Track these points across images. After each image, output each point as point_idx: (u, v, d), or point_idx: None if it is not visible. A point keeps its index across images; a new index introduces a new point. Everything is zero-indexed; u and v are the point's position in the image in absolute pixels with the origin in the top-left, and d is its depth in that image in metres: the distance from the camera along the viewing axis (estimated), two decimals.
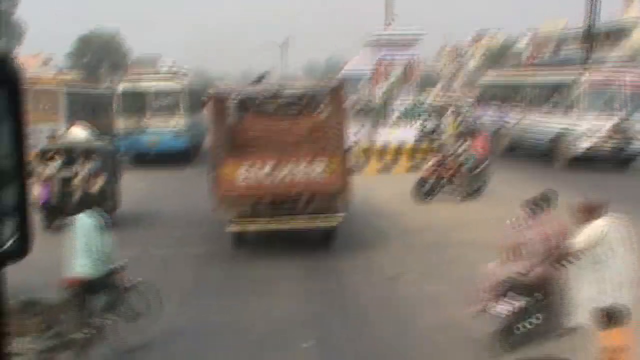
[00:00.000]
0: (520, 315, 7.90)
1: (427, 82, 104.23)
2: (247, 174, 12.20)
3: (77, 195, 14.96)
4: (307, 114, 14.42)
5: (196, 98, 32.55)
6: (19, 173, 1.62)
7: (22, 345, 6.89)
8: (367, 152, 24.03)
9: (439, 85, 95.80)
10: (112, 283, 8.31)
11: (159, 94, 27.86)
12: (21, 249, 1.63)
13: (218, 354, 8.51)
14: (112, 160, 16.46)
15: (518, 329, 7.92)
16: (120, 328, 8.31)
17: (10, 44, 66.44)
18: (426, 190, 17.17)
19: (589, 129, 22.85)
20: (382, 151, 23.87)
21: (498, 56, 77.90)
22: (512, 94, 28.64)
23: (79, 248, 7.99)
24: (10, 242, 1.63)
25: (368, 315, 9.63)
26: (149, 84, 27.87)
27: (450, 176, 17.22)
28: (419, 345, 8.48)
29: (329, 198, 12.39)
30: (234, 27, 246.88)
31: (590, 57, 32.74)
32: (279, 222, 12.47)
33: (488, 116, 29.80)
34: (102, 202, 14.42)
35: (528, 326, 7.90)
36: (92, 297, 8.09)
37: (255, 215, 12.35)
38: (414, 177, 19.60)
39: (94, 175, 15.34)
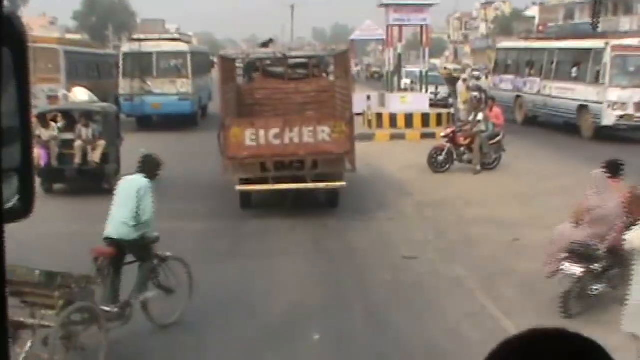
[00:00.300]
0: (594, 278, 7.86)
1: (435, 49, 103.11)
2: (255, 136, 12.11)
3: (77, 159, 14.57)
4: (314, 77, 14.74)
5: (203, 61, 31.80)
6: (23, 132, 1.60)
7: (46, 319, 6.56)
8: (378, 118, 23.23)
9: (447, 53, 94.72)
10: (147, 253, 7.82)
11: (164, 56, 27.16)
12: (24, 208, 1.61)
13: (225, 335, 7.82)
14: (113, 123, 15.80)
15: (591, 290, 7.90)
16: (151, 304, 7.81)
17: (15, 4, 65.25)
18: (441, 160, 16.26)
19: (616, 99, 21.39)
20: (394, 118, 23.04)
21: (507, 24, 76.44)
22: (532, 62, 26.74)
23: (124, 210, 7.52)
24: (14, 201, 1.60)
25: (385, 306, 8.72)
26: (153, 46, 26.97)
27: (467, 145, 16.29)
28: (442, 336, 7.70)
29: (334, 161, 12.51)
30: None
31: (597, 24, 31.81)
32: (285, 183, 12.55)
33: (505, 85, 28.08)
34: (103, 167, 14.60)
35: (601, 288, 7.91)
36: (122, 269, 7.66)
37: (263, 177, 12.41)
38: (428, 144, 18.98)
39: (95, 139, 14.74)
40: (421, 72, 25.07)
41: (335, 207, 13.29)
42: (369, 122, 23.40)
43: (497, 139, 16.50)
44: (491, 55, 71.94)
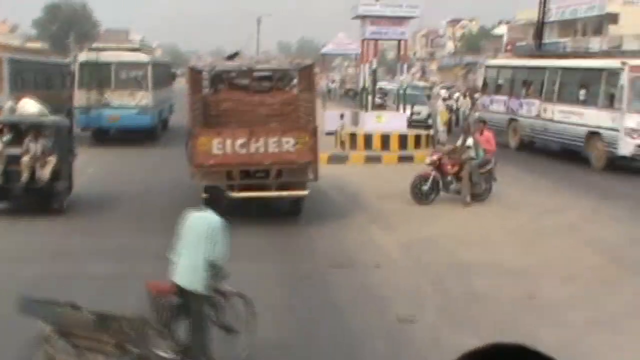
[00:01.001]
0: None
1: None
2: (222, 145, 12.40)
3: (25, 176, 13.28)
4: (279, 90, 15.07)
5: (164, 72, 29.93)
6: None
7: None
8: (352, 139, 21.32)
9: (413, 69, 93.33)
10: (213, 301, 6.83)
11: (123, 67, 25.50)
12: None
13: None
14: (66, 138, 14.59)
15: None
16: (213, 347, 6.67)
17: None
18: (427, 190, 14.27)
19: (636, 126, 18.64)
20: (369, 139, 21.14)
21: (475, 42, 75.29)
22: (529, 81, 23.84)
23: (194, 253, 6.50)
24: None
25: None
26: (112, 56, 24.95)
27: (455, 174, 14.37)
28: None
29: (298, 171, 12.82)
30: (207, 4, 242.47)
31: (541, 44, 30.39)
32: (250, 192, 12.75)
33: (496, 106, 25.12)
34: (53, 185, 13.35)
35: None
36: (184, 313, 6.65)
37: (228, 185, 12.18)
38: (406, 169, 17.55)
39: (45, 154, 13.43)
40: (398, 89, 23.25)
41: (298, 214, 13.52)
42: (342, 142, 21.49)
43: (489, 166, 14.56)
44: (459, 72, 71.43)
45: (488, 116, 22.03)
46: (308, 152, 12.58)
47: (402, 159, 20.11)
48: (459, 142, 14.87)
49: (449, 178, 14.36)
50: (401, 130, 21.53)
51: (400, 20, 21.53)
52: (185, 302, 6.59)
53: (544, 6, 30.57)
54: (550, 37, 56.06)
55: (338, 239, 12.03)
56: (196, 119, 13.45)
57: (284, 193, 13.05)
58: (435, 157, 14.45)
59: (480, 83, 51.59)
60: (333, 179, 16.73)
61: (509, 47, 60.68)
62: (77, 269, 10.01)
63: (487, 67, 28.57)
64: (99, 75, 24.76)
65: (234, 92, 15.08)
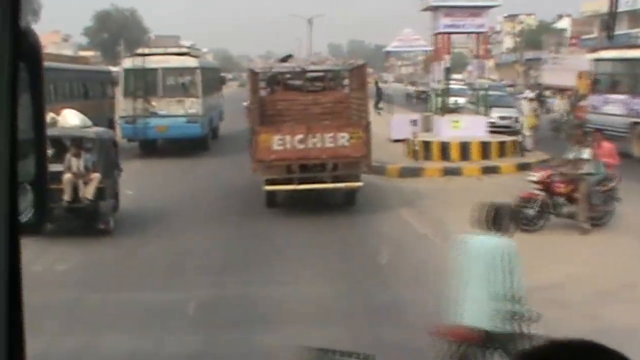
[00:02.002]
0: None
1: (455, 64, 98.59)
2: (282, 141, 13.08)
3: (66, 196, 11.95)
4: (331, 89, 15.70)
5: (214, 77, 27.71)
6: (38, 147, 1.55)
7: None
8: (426, 148, 18.49)
9: (469, 67, 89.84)
10: (514, 341, 5.43)
11: (170, 72, 23.43)
12: (38, 222, 1.56)
13: None
14: (110, 152, 13.33)
15: None
16: None
17: (26, 20, 61.25)
18: (533, 215, 11.45)
19: None
20: (446, 147, 18.29)
21: (534, 37, 71.46)
22: None
23: (487, 286, 5.39)
24: (29, 215, 1.53)
25: None
26: (158, 61, 22.67)
27: (567, 194, 11.54)
28: None
29: (352, 165, 13.48)
30: (256, 9, 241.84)
31: (612, 36, 25.78)
32: (308, 184, 13.40)
33: (613, 108, 20.49)
34: (98, 204, 12.17)
35: None
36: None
37: (288, 178, 13.30)
38: (492, 182, 15.56)
39: (88, 170, 12.21)
40: (477, 89, 20.41)
41: (353, 205, 14.03)
42: (414, 152, 18.53)
43: (610, 184, 11.68)
44: (519, 69, 67.82)
45: (601, 120, 18.86)
46: (362, 147, 13.20)
47: (485, 170, 17.29)
48: (570, 154, 11.92)
49: (561, 199, 11.51)
50: (482, 136, 18.68)
51: (478, 10, 18.65)
52: (485, 346, 5.50)
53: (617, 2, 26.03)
54: (619, 29, 52.41)
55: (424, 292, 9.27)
56: (257, 118, 14.23)
57: (341, 185, 13.69)
58: (543, 174, 11.55)
59: (547, 79, 48.68)
60: (408, 198, 14.48)
61: (573, 41, 57.26)
62: (129, 296, 9.11)
63: (598, 60, 23.23)
64: (145, 82, 22.71)
65: (288, 92, 15.74)
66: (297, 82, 15.89)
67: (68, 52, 53.54)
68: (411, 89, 38.51)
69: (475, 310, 5.45)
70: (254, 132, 13.80)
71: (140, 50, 23.98)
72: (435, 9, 18.78)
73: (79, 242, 11.82)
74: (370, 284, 9.33)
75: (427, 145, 18.55)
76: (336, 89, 15.93)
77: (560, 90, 36.59)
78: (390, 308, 8.42)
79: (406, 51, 28.77)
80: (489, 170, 17.18)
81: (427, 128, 19.85)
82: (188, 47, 25.18)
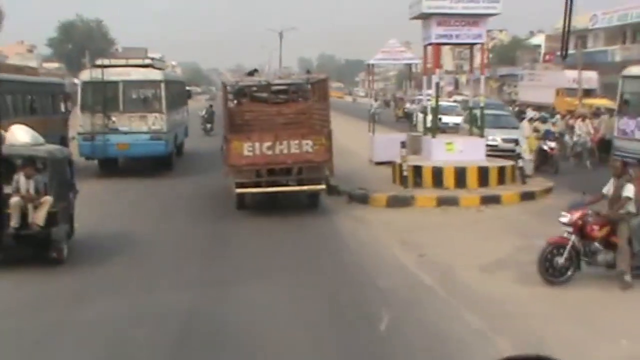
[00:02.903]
0: None
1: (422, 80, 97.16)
2: (251, 148, 14.12)
3: (14, 221, 10.48)
4: (294, 101, 16.53)
5: (179, 91, 25.70)
6: None
7: None
8: (416, 173, 16.28)
9: (441, 83, 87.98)
10: None
11: (132, 86, 21.29)
12: None
13: None
14: (64, 172, 11.75)
15: None
16: None
17: None
18: (562, 265, 9.26)
19: None
20: (439, 173, 16.10)
21: (506, 53, 70.16)
22: None
23: None
24: None
25: None
26: (120, 73, 20.67)
27: (605, 238, 9.33)
28: None
29: (316, 168, 14.48)
30: (227, 22, 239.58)
31: (566, 54, 23.22)
32: (275, 187, 14.55)
33: None
34: (49, 231, 10.65)
35: None
36: None
37: (257, 182, 14.46)
38: (494, 215, 13.83)
39: (39, 193, 10.82)
40: (471, 108, 18.45)
41: (316, 207, 15.11)
42: (403, 178, 16.22)
43: None
44: (493, 85, 66.32)
45: (631, 146, 16.68)
46: (324, 152, 14.22)
47: (485, 199, 15.14)
48: (605, 189, 9.85)
49: (596, 244, 9.47)
50: (479, 161, 16.51)
51: (475, 18, 16.56)
52: None
53: (570, 13, 22.97)
54: (596, 45, 51.19)
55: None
56: (227, 127, 15.28)
57: (305, 187, 14.55)
58: (576, 215, 9.45)
59: (523, 96, 46.93)
60: (399, 233, 12.55)
61: (547, 58, 55.91)
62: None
63: (625, 77, 19.53)
64: (104, 96, 20.47)
65: (254, 103, 16.58)
66: (263, 95, 16.74)
67: (32, 63, 50.85)
68: (375, 104, 35.15)
69: None
70: (226, 140, 14.87)
71: (99, 62, 21.63)
72: (427, 16, 16.65)
73: (28, 272, 10.31)
74: None
75: (417, 170, 16.31)
76: (299, 101, 16.74)
77: (538, 108, 35.00)
78: None
79: (391, 63, 26.27)
80: (489, 200, 15.09)
81: (415, 150, 17.67)
82: (152, 59, 22.92)
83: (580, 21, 46.25)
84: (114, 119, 20.54)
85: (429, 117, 18.74)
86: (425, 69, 19.31)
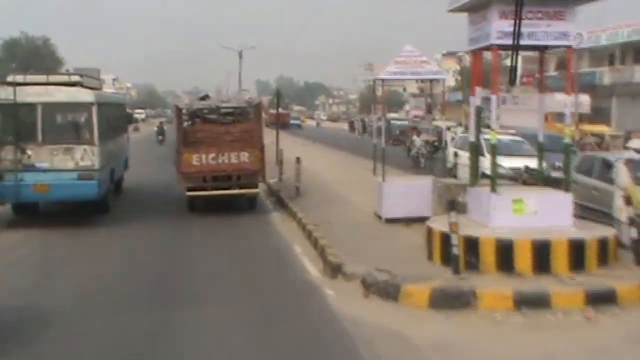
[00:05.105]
0: None
1: (392, 103, 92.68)
2: (199, 159, 16.87)
3: None
4: (239, 122, 18.51)
5: (117, 115, 20.56)
6: None
7: None
8: (470, 249, 10.15)
9: (407, 107, 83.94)
10: None
11: (54, 109, 15.80)
12: None
13: None
14: None
15: None
16: None
17: None
18: None
19: None
20: (507, 250, 9.98)
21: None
22: None
23: None
24: None
25: None
26: (38, 93, 15.66)
27: None
28: None
29: (251, 175, 17.21)
30: (183, 43, 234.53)
31: (515, 80, 18.43)
32: (218, 190, 17.11)
33: None
34: None
35: None
36: None
37: (203, 186, 17.03)
38: (614, 324, 8.56)
39: None
40: (539, 142, 12.31)
41: (254, 208, 17.98)
42: (451, 257, 10.08)
43: None
44: (466, 109, 62.01)
45: None
46: (258, 162, 17.07)
47: (593, 298, 8.98)
48: None
49: None
50: (567, 229, 10.47)
51: (561, 8, 10.78)
52: None
53: (518, 36, 17.29)
54: (580, 67, 47.40)
55: None
56: (180, 144, 17.55)
57: (242, 191, 17.40)
58: None
59: (505, 121, 42.42)
60: None
61: (524, 80, 52.02)
62: None
63: None
64: (18, 123, 15.40)
65: (206, 124, 18.41)
66: (213, 116, 18.45)
67: None
68: (417, 141, 28.20)
69: None
70: (179, 152, 17.35)
71: (10, 78, 16.40)
72: (483, 6, 10.89)
73: None
74: None
75: (471, 243, 10.17)
76: (243, 122, 18.50)
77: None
78: None
79: (409, 79, 18.89)
80: (598, 298, 9.00)
81: (454, 206, 12.17)
82: (112, 81, 17.90)
83: None
84: (29, 152, 15.44)
85: (481, 158, 13.25)
86: (472, 85, 12.74)
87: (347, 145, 45.09)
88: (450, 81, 68.70)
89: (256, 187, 17.41)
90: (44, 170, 15.40)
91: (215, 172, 16.83)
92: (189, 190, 16.93)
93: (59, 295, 9.94)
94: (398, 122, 46.45)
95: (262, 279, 11.00)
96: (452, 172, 22.90)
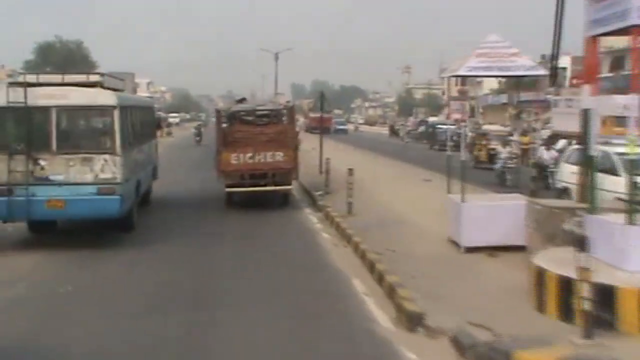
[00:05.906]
0: None
1: (431, 105, 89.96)
2: (237, 158, 18.03)
3: None
4: (274, 123, 19.38)
5: (144, 119, 18.28)
6: None
7: None
8: (605, 297, 7.33)
9: (445, 110, 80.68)
10: None
11: (70, 114, 13.92)
12: None
13: None
14: None
15: None
16: None
17: None
18: None
19: None
20: None
21: (521, 78, 63.17)
22: None
23: None
24: None
25: None
26: (52, 95, 13.43)
27: None
28: None
29: (285, 173, 18.27)
30: (219, 45, 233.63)
31: (555, 80, 15.42)
32: (255, 187, 18.27)
33: None
34: None
35: None
36: None
37: (241, 183, 18.23)
38: None
39: None
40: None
41: (287, 204, 18.96)
42: (561, 303, 7.79)
43: None
44: (511, 112, 59.23)
45: None
46: (291, 161, 18.15)
47: None
48: None
49: None
50: None
51: None
52: None
53: (559, 36, 14.34)
54: (627, 68, 44.09)
55: None
56: (220, 145, 18.44)
57: (277, 187, 18.38)
58: None
59: (558, 125, 39.31)
60: None
61: (574, 82, 48.95)
62: None
63: None
64: (29, 129, 13.37)
65: (243, 125, 19.19)
66: (250, 118, 19.41)
67: None
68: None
69: None
70: (218, 152, 18.55)
71: (21, 79, 14.14)
72: None
73: None
74: None
75: (604, 293, 7.44)
76: (277, 123, 19.40)
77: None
78: None
79: (494, 76, 16.25)
80: None
81: (549, 236, 9.36)
82: (147, 85, 15.68)
83: (619, 39, 38.82)
84: (42, 163, 13.34)
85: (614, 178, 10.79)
86: (588, 77, 10.25)
87: (392, 151, 42.51)
88: (493, 83, 65.68)
89: (290, 184, 18.55)
90: (59, 184, 13.33)
91: (252, 170, 18.01)
92: (228, 186, 18.16)
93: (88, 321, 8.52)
94: (444, 127, 42.77)
95: (319, 330, 8.38)
96: (562, 196, 16.81)
